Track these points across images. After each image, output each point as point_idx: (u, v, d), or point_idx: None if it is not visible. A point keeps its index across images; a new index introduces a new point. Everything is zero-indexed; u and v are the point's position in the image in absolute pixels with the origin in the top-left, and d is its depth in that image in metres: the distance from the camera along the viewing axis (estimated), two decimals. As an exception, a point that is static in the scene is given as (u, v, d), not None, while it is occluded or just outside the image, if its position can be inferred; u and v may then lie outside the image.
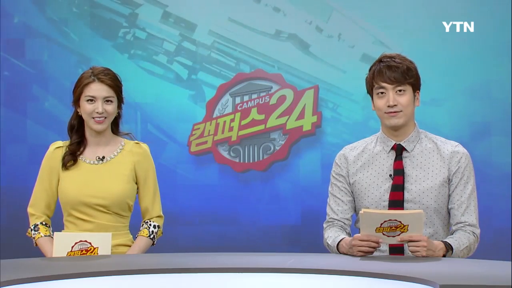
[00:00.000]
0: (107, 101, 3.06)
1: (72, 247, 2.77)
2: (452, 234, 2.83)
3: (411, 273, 2.18)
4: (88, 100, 3.05)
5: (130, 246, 3.09)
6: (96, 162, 3.10)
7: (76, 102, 3.09)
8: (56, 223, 3.15)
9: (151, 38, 4.68)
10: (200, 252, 3.22)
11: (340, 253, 2.75)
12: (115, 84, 3.09)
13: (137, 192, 3.14)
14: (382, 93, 2.84)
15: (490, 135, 4.43)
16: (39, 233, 3.08)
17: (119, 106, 3.12)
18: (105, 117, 3.05)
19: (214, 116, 4.65)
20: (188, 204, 4.61)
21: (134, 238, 3.14)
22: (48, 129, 4.61)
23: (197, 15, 4.66)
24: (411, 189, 2.84)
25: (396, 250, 2.81)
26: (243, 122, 4.64)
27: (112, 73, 3.10)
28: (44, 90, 4.66)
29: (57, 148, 3.13)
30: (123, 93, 3.13)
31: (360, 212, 2.64)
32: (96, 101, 3.05)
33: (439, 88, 4.44)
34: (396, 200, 2.84)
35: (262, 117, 4.62)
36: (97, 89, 3.05)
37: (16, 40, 4.67)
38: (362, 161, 2.94)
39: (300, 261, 2.49)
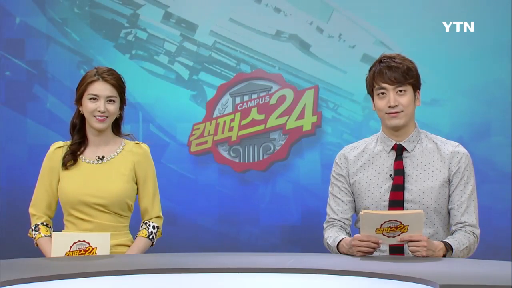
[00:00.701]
0: (110, 100, 3.06)
1: (71, 247, 2.77)
2: (452, 234, 2.83)
3: (411, 273, 2.18)
4: (91, 99, 3.05)
5: (129, 246, 3.09)
6: (95, 161, 3.10)
7: (79, 100, 3.09)
8: (57, 223, 3.15)
9: (152, 39, 4.68)
10: (200, 252, 3.22)
11: (340, 253, 2.75)
12: (119, 85, 3.09)
13: (137, 193, 3.14)
14: (382, 93, 2.84)
15: (490, 135, 4.43)
16: (40, 233, 3.08)
17: (121, 108, 3.12)
18: (107, 116, 3.06)
19: (214, 116, 4.65)
20: (188, 204, 4.60)
21: (134, 238, 3.14)
22: (49, 129, 4.61)
23: (198, 15, 4.66)
24: (412, 189, 2.84)
25: (396, 250, 2.81)
26: (243, 122, 4.63)
27: (116, 74, 3.11)
28: (45, 90, 4.66)
29: (58, 148, 3.13)
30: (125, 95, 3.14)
31: (360, 213, 2.64)
32: (99, 99, 3.05)
33: (439, 88, 4.44)
34: (396, 200, 2.84)
35: (262, 117, 4.62)
36: (101, 88, 3.05)
37: (17, 40, 4.67)
38: (363, 161, 2.94)
39: (300, 261, 2.49)
